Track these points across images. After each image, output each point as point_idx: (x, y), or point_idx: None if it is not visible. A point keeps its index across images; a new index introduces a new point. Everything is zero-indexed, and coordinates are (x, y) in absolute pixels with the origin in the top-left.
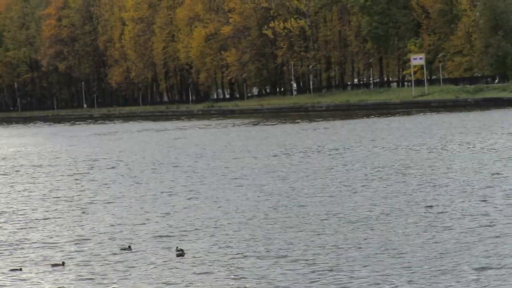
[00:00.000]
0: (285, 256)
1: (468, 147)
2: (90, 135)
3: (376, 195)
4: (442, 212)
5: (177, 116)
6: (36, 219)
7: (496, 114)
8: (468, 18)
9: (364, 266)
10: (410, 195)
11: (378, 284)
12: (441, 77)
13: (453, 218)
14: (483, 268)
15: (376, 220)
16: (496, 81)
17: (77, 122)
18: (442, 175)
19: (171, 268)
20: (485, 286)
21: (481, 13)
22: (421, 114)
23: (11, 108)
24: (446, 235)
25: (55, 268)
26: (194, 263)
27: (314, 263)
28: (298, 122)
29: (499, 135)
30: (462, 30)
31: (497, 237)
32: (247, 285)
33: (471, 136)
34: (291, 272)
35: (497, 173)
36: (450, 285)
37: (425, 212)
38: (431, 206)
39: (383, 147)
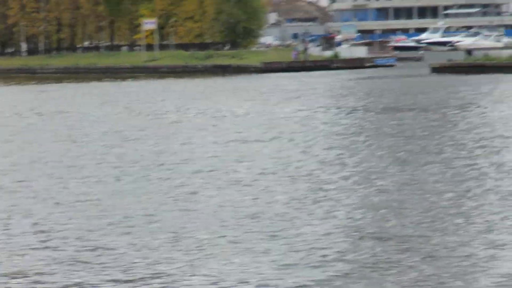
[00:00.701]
0: None
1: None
2: None
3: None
4: None
5: None
6: None
7: (222, 81)
8: None
9: None
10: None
11: None
12: (172, 43)
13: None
14: None
15: None
16: (226, 47)
17: None
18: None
19: None
20: None
21: None
22: (150, 79)
23: None
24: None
25: None
26: None
27: None
28: (26, 84)
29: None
30: None
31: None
32: None
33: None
34: None
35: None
36: None
37: None
38: None
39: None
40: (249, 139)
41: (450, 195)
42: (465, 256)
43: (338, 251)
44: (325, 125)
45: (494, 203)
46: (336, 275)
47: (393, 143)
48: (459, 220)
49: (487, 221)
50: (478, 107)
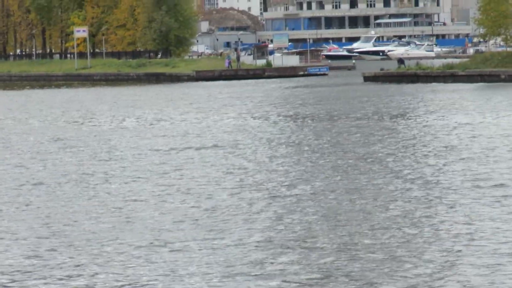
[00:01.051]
0: None
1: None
2: None
3: None
4: None
5: None
6: None
7: (155, 89)
8: None
9: None
10: None
11: None
12: (104, 51)
13: None
14: None
15: None
16: (159, 56)
17: None
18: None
19: None
20: None
21: None
22: (83, 87)
23: None
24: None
25: None
26: None
27: None
28: None
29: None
30: (126, 4)
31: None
32: None
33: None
34: None
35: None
36: None
37: None
38: None
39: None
40: (183, 147)
41: (391, 202)
42: (411, 265)
43: (279, 262)
44: (260, 134)
45: (439, 212)
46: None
47: (329, 151)
48: (403, 229)
49: (436, 230)
50: (412, 115)
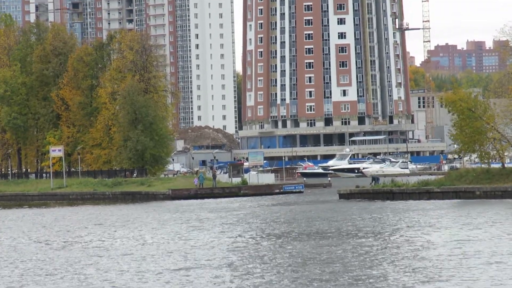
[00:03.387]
0: None
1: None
2: None
3: None
4: None
5: None
6: None
7: (131, 208)
8: (108, 111)
9: None
10: None
11: None
12: (80, 169)
13: None
14: None
15: None
16: (135, 174)
17: None
18: None
19: None
20: None
21: (120, 107)
22: (59, 206)
23: None
24: None
25: None
26: None
27: None
28: None
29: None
30: (102, 123)
31: None
32: None
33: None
34: None
35: None
36: None
37: None
38: None
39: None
40: (162, 268)
41: None
42: None
43: None
44: (237, 252)
45: None
46: None
47: (308, 269)
48: None
49: None
50: (386, 233)
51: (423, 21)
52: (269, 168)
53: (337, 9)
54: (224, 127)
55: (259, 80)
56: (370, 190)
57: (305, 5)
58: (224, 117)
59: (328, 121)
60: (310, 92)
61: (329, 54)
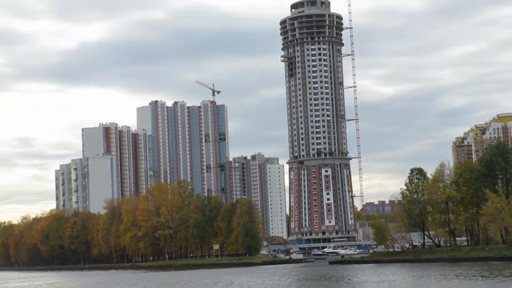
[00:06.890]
0: None
1: None
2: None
3: None
4: None
5: None
6: None
7: None
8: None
9: None
10: None
11: None
12: None
13: None
14: None
15: None
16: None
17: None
18: None
19: None
20: None
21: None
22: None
23: None
24: None
25: None
26: None
27: None
28: None
29: None
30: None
31: None
32: None
33: None
34: None
35: None
36: None
37: None
38: None
39: None
40: None
41: None
42: None
43: None
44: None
45: None
46: None
47: None
48: None
49: None
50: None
51: None
52: (300, 252)
53: None
54: (282, 234)
55: (295, 215)
56: (342, 260)
57: None
58: (282, 230)
59: (323, 233)
60: (316, 221)
61: None
